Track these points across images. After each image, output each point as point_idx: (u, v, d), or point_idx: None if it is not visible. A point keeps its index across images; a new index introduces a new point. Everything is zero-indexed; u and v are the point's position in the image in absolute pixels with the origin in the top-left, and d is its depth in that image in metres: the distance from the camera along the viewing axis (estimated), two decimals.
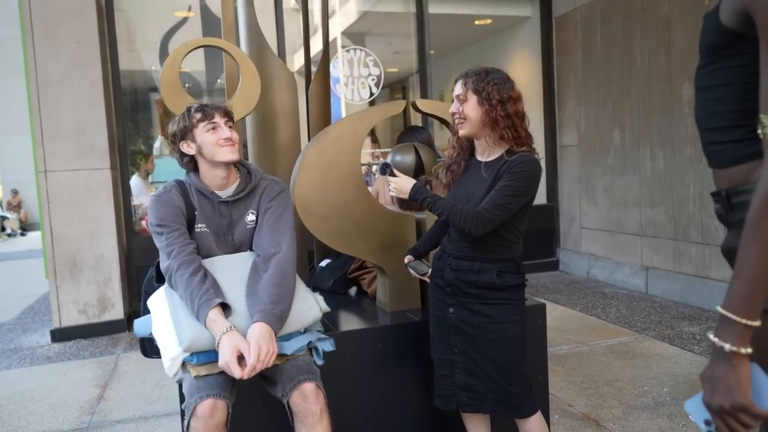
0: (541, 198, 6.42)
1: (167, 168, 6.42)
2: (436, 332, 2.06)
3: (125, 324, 4.62)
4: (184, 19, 6.25)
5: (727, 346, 0.97)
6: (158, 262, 1.98)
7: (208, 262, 1.89)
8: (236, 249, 1.99)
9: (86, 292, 4.53)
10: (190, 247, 1.85)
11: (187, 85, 6.73)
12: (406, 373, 2.33)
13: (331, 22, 7.03)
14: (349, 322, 2.52)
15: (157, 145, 6.63)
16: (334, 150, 2.38)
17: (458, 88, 1.92)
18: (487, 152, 1.95)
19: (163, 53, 6.19)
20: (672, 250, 4.82)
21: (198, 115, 1.89)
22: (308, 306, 1.91)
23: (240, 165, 2.01)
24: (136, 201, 5.36)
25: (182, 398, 2.11)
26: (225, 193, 1.96)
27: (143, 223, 5.44)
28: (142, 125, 7.08)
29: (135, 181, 5.59)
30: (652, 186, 4.99)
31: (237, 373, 1.62)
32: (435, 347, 2.07)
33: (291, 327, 1.84)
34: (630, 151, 5.22)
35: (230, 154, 1.89)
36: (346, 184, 2.37)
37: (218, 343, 1.66)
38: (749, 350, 0.97)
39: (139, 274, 4.96)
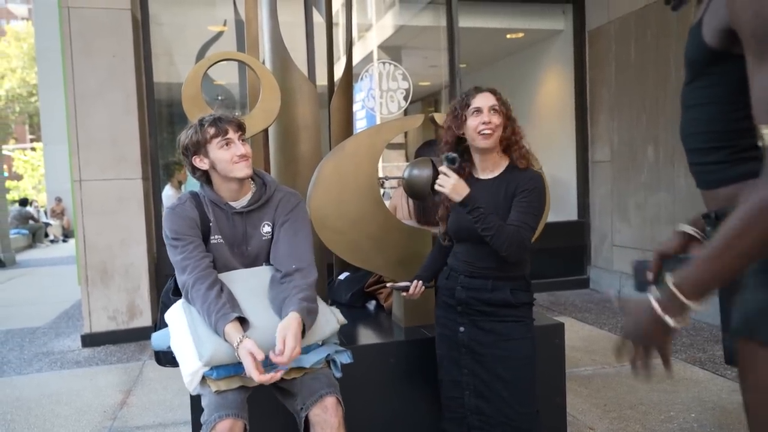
0: (572, 214, 6.32)
1: None
2: (445, 353, 2.03)
3: (153, 330, 4.69)
4: (219, 33, 6.38)
5: (666, 318, 1.01)
6: (174, 278, 2.00)
7: (224, 276, 1.90)
8: (252, 260, 1.99)
9: (116, 298, 4.64)
10: (206, 260, 1.85)
11: (220, 97, 6.89)
12: (419, 389, 2.30)
13: (368, 35, 7.12)
14: (364, 336, 2.51)
15: None
16: (350, 163, 2.39)
17: (491, 100, 1.90)
18: (490, 169, 1.94)
19: None
20: None
21: (211, 131, 1.86)
22: (326, 319, 1.92)
23: (255, 175, 2.00)
24: None
25: (194, 408, 2.14)
26: (239, 204, 1.95)
27: None
28: (177, 136, 7.25)
29: (168, 191, 5.71)
30: (686, 203, 4.85)
31: (255, 377, 1.62)
32: (443, 368, 2.04)
33: (310, 339, 1.85)
34: (664, 167, 5.09)
35: (245, 170, 1.89)
36: (362, 197, 2.38)
37: (237, 354, 1.67)
38: (679, 325, 1.01)
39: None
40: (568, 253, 6.15)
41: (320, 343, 1.91)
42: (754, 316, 1.07)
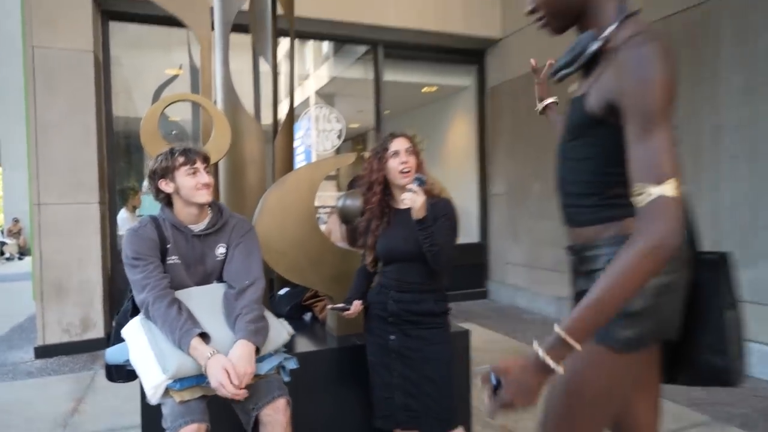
0: (474, 237, 6.48)
1: (153, 203, 6.25)
2: (377, 359, 1.99)
3: (105, 342, 4.36)
4: (174, 76, 6.16)
5: (552, 363, 0.96)
6: (132, 296, 1.87)
7: (181, 293, 1.79)
8: (205, 279, 1.91)
9: (71, 312, 4.29)
10: (164, 280, 1.75)
11: (174, 132, 6.63)
12: (352, 390, 2.24)
13: (306, 83, 7.08)
14: (302, 345, 2.43)
15: (146, 183, 6.44)
16: (292, 194, 2.34)
17: (406, 144, 1.93)
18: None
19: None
20: None
21: (181, 159, 1.80)
22: (278, 332, 1.87)
23: (211, 203, 1.93)
24: (121, 232, 5.15)
25: (144, 414, 1.99)
26: (198, 227, 1.87)
27: None
28: (134, 164, 6.90)
29: (123, 214, 5.38)
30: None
31: (231, 390, 1.55)
32: (375, 373, 2.00)
33: (264, 350, 1.79)
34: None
35: (206, 197, 1.84)
36: (302, 224, 2.33)
37: (205, 368, 1.59)
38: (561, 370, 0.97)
39: (122, 298, 4.74)
40: (470, 269, 6.29)
41: (272, 352, 1.85)
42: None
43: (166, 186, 1.83)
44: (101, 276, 4.38)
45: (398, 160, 1.90)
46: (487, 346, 4.25)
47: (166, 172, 1.82)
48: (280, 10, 3.12)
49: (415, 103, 7.30)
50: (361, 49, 6.01)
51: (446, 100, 7.03)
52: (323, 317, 2.67)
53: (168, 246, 1.83)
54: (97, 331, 4.36)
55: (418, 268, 1.88)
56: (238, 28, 2.82)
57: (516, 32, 5.71)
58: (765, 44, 3.40)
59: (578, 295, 1.22)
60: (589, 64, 1.17)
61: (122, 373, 1.87)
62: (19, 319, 5.85)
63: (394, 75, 6.04)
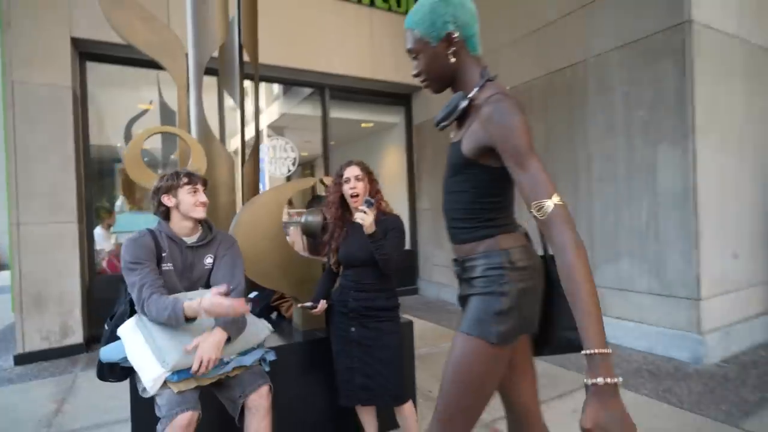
0: (407, 245, 6.58)
1: (126, 221, 5.89)
2: (339, 347, 1.99)
3: (84, 347, 4.02)
4: (145, 111, 5.84)
5: (610, 380, 0.85)
6: (128, 301, 1.76)
7: (172, 297, 1.71)
8: (193, 285, 1.83)
9: (50, 321, 3.91)
10: (160, 281, 1.68)
11: (146, 159, 6.25)
12: (317, 376, 2.22)
13: (260, 117, 6.93)
14: (273, 340, 2.37)
15: (118, 203, 6.04)
16: (261, 212, 2.30)
17: (356, 171, 1.97)
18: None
19: (128, 134, 5.76)
20: None
21: (185, 179, 1.79)
22: (260, 329, 1.83)
23: (202, 220, 1.89)
24: (98, 247, 4.78)
25: (134, 407, 1.85)
26: (190, 240, 1.82)
27: (103, 263, 4.87)
28: (107, 187, 6.44)
29: (98, 231, 5.00)
30: None
31: (237, 307, 1.51)
32: (338, 360, 1.99)
33: (249, 344, 1.75)
34: None
35: (202, 213, 1.82)
36: (270, 237, 2.29)
37: (204, 311, 1.53)
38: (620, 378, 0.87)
39: (99, 306, 4.39)
40: (404, 270, 6.36)
41: (255, 347, 1.80)
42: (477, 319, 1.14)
43: (168, 200, 1.79)
44: (79, 287, 4.04)
45: (348, 186, 1.96)
46: (421, 334, 4.31)
47: (170, 189, 1.79)
48: (246, 58, 3.07)
49: (355, 136, 7.34)
50: (307, 90, 5.99)
51: (381, 134, 7.13)
52: (289, 315, 2.62)
53: (163, 254, 1.75)
54: (76, 337, 4.00)
55: (372, 271, 1.91)
56: (207, 71, 2.75)
57: None
58: (618, 95, 3.76)
59: (462, 298, 1.25)
60: (461, 117, 1.22)
61: (115, 372, 1.74)
62: None
63: (338, 112, 6.06)
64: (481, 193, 1.18)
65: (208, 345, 1.56)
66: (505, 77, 4.67)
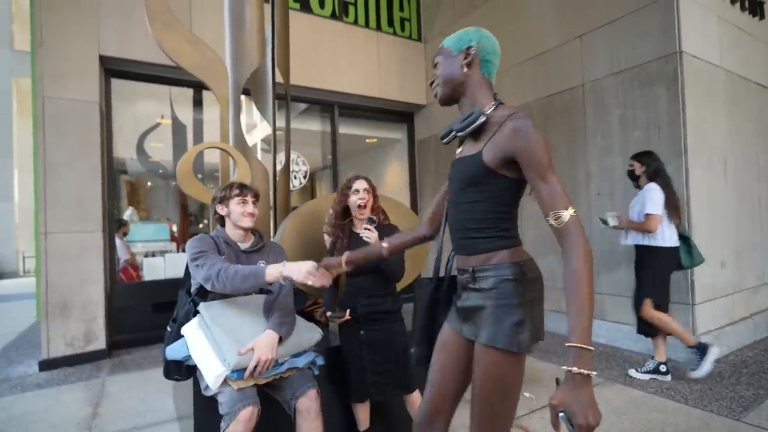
0: (408, 253, 6.63)
1: (139, 231, 5.86)
2: (349, 350, 2.06)
3: (107, 352, 3.99)
4: (158, 124, 5.86)
5: (586, 371, 0.95)
6: (192, 301, 1.80)
7: (230, 301, 1.76)
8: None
9: (74, 328, 3.87)
10: (224, 259, 1.73)
11: (161, 171, 6.25)
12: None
13: (254, 131, 6.95)
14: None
15: (128, 213, 6.01)
16: (304, 222, 2.37)
17: (364, 184, 2.07)
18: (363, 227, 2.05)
19: (140, 147, 5.77)
20: None
21: (236, 191, 1.87)
22: (312, 334, 1.87)
23: (254, 230, 1.97)
24: (119, 255, 4.76)
25: (197, 400, 1.89)
26: (244, 245, 1.90)
27: (120, 272, 4.85)
28: (123, 198, 6.40)
29: (116, 240, 4.98)
30: None
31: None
32: (349, 361, 2.06)
33: (302, 346, 1.80)
34: None
35: (249, 223, 1.89)
36: (312, 245, 2.36)
37: (285, 277, 1.55)
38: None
39: (119, 313, 4.37)
40: (406, 279, 6.38)
41: (307, 350, 1.85)
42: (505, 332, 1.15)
43: (221, 209, 1.89)
44: (103, 295, 4.02)
45: (357, 197, 2.06)
46: None
47: (223, 199, 1.88)
48: (278, 78, 3.16)
49: (361, 151, 7.41)
50: (302, 105, 6.05)
51: (384, 149, 7.21)
52: (324, 320, 2.67)
53: (222, 256, 1.81)
54: (99, 343, 3.97)
55: (378, 278, 2.03)
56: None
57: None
58: (615, 117, 3.95)
59: (467, 309, 1.25)
60: (476, 132, 1.26)
61: (181, 369, 1.78)
62: (9, 337, 5.13)
63: (344, 128, 6.15)
64: (499, 202, 1.22)
65: (264, 346, 1.61)
66: (507, 98, 4.85)
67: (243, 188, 1.88)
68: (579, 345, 0.97)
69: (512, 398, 1.20)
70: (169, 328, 1.86)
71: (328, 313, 2.23)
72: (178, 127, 5.63)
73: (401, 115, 6.47)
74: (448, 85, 1.31)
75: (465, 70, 1.29)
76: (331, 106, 5.89)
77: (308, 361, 1.82)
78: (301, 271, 1.51)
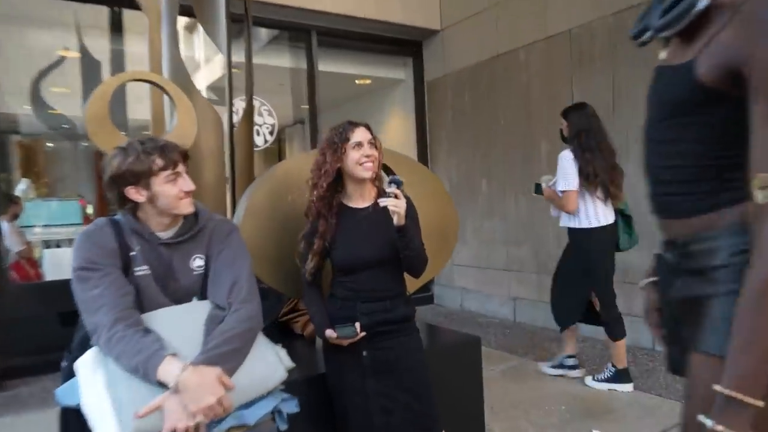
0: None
1: (37, 211, 5.62)
2: (348, 382, 1.86)
3: None
4: (61, 59, 5.53)
5: None
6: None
7: (147, 317, 1.50)
8: (182, 298, 1.63)
9: None
10: (127, 298, 1.47)
11: (66, 126, 5.96)
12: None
13: (201, 71, 6.66)
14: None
15: (22, 188, 5.77)
16: (281, 191, 2.13)
17: (368, 135, 1.87)
18: (362, 198, 1.91)
19: (35, 94, 5.45)
20: (536, 283, 5.08)
21: (160, 162, 1.52)
22: (272, 369, 1.58)
23: None
24: (7, 243, 4.53)
25: None
26: (165, 234, 1.61)
27: (10, 269, 4.61)
28: (4, 168, 6.11)
29: (3, 225, 4.73)
30: (517, 228, 5.26)
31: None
32: (347, 398, 1.86)
33: (254, 393, 1.53)
34: (496, 197, 5.48)
35: (189, 207, 1.60)
36: (297, 225, 2.10)
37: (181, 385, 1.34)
38: None
39: (11, 329, 4.11)
40: None
41: (265, 395, 1.56)
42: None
43: (137, 194, 1.54)
44: None
45: (360, 152, 1.83)
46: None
47: (138, 177, 1.52)
48: None
49: (347, 97, 7.21)
50: (269, 32, 5.74)
51: (380, 93, 7.02)
52: (308, 334, 2.46)
53: (132, 254, 1.55)
54: None
55: (384, 274, 1.87)
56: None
57: (457, 23, 5.81)
58: None
59: (684, 302, 1.16)
60: (690, 26, 1.08)
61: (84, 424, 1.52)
62: None
63: (326, 65, 5.89)
64: (724, 142, 1.05)
65: (177, 404, 1.34)
66: (556, 21, 4.59)
67: (166, 151, 1.54)
68: (730, 392, 0.89)
69: None
70: (64, 361, 1.61)
71: (328, 332, 1.95)
72: (89, 64, 5.35)
73: (405, 45, 6.26)
74: None
75: None
76: (308, 33, 5.62)
77: (263, 414, 1.53)
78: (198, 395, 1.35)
